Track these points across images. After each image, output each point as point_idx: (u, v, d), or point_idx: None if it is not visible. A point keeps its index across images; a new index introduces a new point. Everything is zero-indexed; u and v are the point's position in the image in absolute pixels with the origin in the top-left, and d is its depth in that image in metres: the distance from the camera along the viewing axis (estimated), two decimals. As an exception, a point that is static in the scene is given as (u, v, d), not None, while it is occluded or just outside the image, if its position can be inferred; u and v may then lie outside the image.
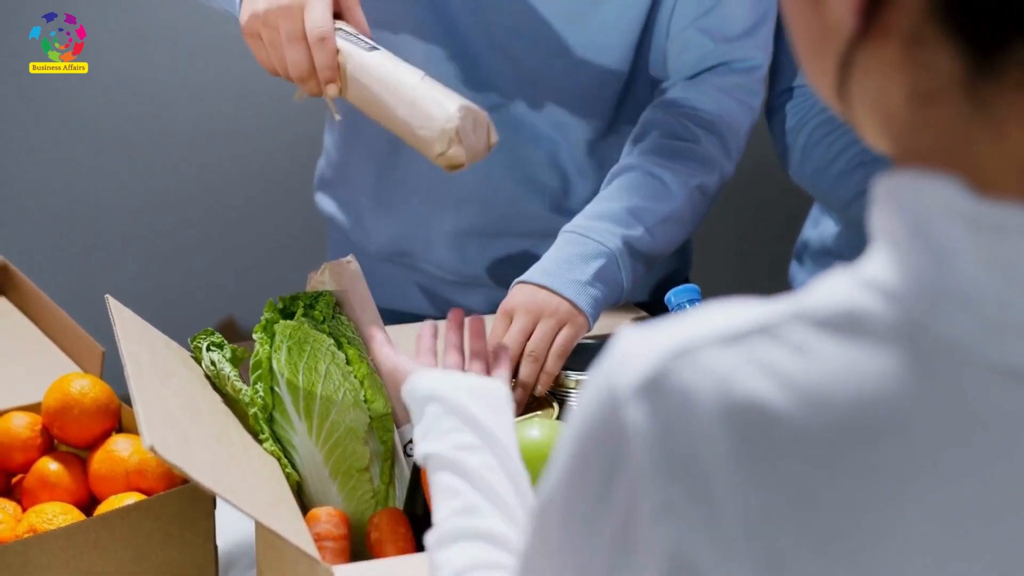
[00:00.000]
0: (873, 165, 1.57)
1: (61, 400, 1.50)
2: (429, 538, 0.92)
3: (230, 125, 2.71)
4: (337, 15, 1.34)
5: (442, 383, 1.04)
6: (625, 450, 0.63)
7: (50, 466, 1.48)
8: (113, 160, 2.71)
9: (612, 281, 1.50)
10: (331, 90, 1.32)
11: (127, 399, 1.56)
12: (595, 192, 1.69)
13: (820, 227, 1.86)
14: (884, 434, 0.59)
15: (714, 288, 1.58)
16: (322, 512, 1.19)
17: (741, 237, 2.71)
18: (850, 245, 1.80)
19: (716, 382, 0.61)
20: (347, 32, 1.32)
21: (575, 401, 1.41)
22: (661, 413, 0.61)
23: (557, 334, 1.44)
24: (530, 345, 1.42)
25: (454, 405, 1.01)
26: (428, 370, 1.09)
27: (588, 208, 1.57)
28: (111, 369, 1.62)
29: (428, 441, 1.00)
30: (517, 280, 1.50)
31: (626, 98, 1.70)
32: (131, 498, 1.42)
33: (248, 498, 1.07)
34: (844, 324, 0.61)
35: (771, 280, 2.43)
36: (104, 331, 1.67)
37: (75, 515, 1.40)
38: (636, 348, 0.64)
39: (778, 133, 1.72)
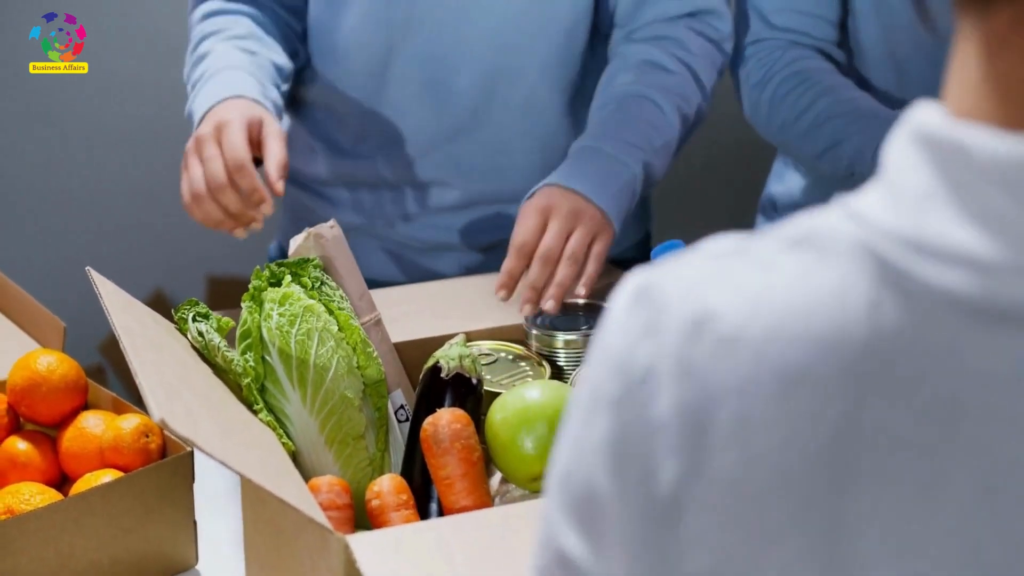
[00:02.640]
0: (843, 119, 1.58)
1: (28, 378, 1.45)
2: None
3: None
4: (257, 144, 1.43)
5: None
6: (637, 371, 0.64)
7: (19, 445, 1.44)
8: (112, 160, 2.67)
9: (629, 203, 1.52)
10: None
11: (91, 375, 1.53)
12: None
13: (786, 181, 1.86)
14: (831, 345, 0.59)
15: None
16: (323, 482, 1.16)
17: (704, 193, 2.71)
18: (819, 198, 1.80)
19: (684, 288, 0.63)
20: None
21: (564, 361, 1.40)
22: (643, 314, 0.64)
23: (593, 241, 1.44)
24: (570, 247, 1.42)
25: None
26: None
27: (603, 126, 1.57)
28: (72, 345, 1.58)
29: None
30: (547, 182, 1.49)
31: (593, 51, 1.70)
32: (107, 475, 1.38)
33: (259, 470, 1.04)
34: (807, 241, 0.62)
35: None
36: (61, 307, 1.64)
37: (51, 495, 1.36)
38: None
39: (744, 87, 1.72)
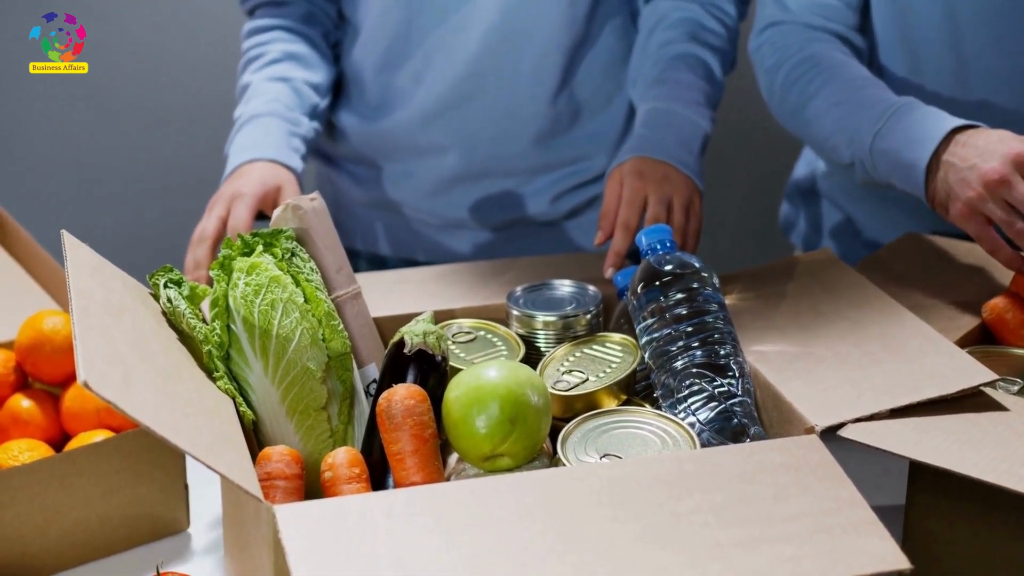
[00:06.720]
0: (848, 106, 1.52)
1: (34, 337, 1.49)
2: None
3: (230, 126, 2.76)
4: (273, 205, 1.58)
5: None
6: None
7: (23, 403, 1.48)
8: (113, 159, 2.72)
9: (703, 161, 1.59)
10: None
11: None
12: (575, 120, 1.74)
13: (813, 167, 1.82)
14: None
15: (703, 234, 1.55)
16: (274, 451, 1.17)
17: (731, 179, 2.66)
18: (844, 184, 1.76)
19: None
20: None
21: (542, 342, 1.39)
22: None
23: (689, 207, 1.53)
24: (676, 217, 1.50)
25: None
26: None
27: (666, 85, 1.63)
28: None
29: None
30: (635, 153, 1.55)
31: (592, 16, 1.72)
32: (100, 435, 1.41)
33: (190, 436, 1.05)
34: None
35: (763, 222, 2.37)
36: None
37: (43, 451, 1.39)
38: None
39: (759, 71, 1.68)
